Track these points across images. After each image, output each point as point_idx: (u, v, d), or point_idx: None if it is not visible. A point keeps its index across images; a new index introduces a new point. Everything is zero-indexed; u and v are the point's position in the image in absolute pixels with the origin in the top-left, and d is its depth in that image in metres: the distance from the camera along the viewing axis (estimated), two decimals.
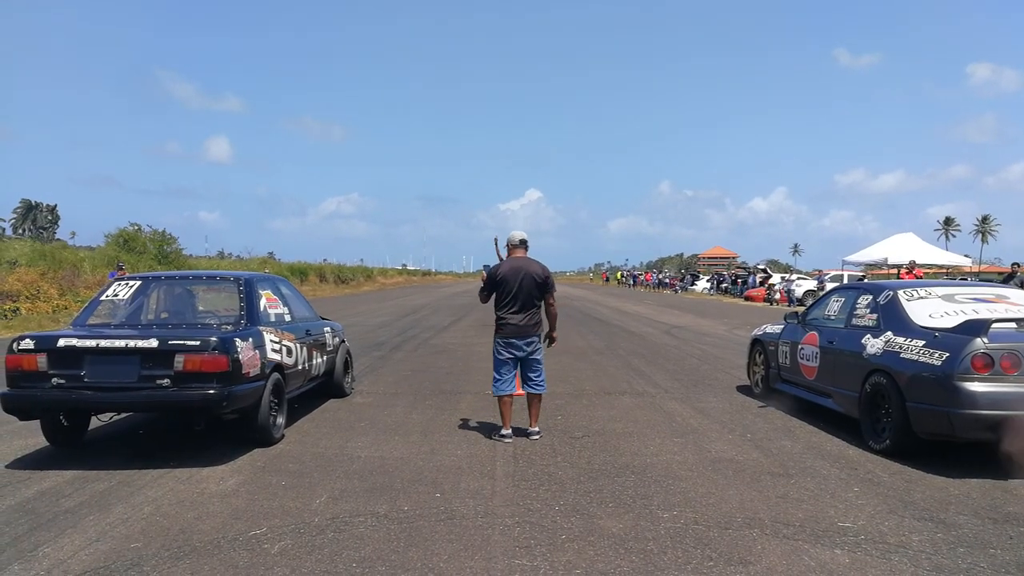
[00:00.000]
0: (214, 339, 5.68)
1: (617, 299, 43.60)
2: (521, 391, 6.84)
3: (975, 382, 5.38)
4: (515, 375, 6.75)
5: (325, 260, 74.23)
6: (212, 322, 6.75)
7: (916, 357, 5.85)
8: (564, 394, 9.12)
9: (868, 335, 6.65)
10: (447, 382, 10.15)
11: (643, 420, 7.58)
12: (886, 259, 30.12)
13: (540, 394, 6.79)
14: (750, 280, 47.51)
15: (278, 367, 6.59)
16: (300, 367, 7.32)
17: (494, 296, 6.71)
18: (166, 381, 5.54)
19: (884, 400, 6.13)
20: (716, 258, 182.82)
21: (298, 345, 7.28)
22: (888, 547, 4.12)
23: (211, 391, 5.56)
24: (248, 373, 5.93)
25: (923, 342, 5.90)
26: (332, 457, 6.02)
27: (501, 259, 6.87)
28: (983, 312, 6.24)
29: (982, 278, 35.31)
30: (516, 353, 6.62)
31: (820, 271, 47.29)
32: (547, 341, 6.89)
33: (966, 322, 5.82)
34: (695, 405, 8.49)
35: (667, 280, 70.34)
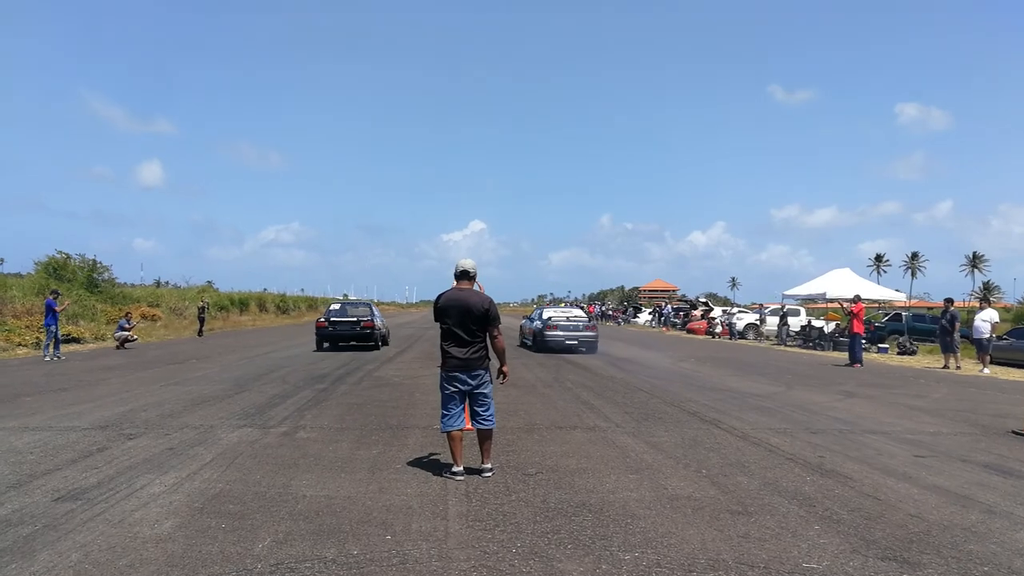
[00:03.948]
0: (372, 317, 23.79)
1: None
2: (471, 426, 6.62)
3: (547, 331, 23.30)
4: (463, 409, 6.54)
5: (265, 289, 73.09)
6: (366, 312, 24.04)
7: (540, 325, 23.93)
8: (515, 428, 8.92)
9: (537, 320, 25.18)
10: (393, 416, 9.86)
11: (596, 456, 7.42)
12: (824, 293, 30.76)
13: (490, 430, 6.57)
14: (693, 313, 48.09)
15: (381, 328, 24.70)
16: (383, 329, 25.21)
17: (439, 329, 6.53)
18: (360, 329, 22.91)
19: (534, 339, 24.24)
20: (657, 291, 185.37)
21: (382, 322, 25.61)
22: None
23: (369, 332, 23.00)
24: (378, 327, 23.93)
25: (541, 322, 24.19)
26: (275, 497, 5.70)
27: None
28: (556, 315, 25.15)
29: (913, 313, 36.30)
30: (461, 387, 6.40)
31: (760, 304, 48.20)
32: (499, 376, 6.69)
33: (549, 316, 24.54)
34: (647, 439, 8.38)
35: (610, 312, 70.89)
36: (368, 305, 26.02)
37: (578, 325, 24.11)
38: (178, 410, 10.18)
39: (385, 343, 25.60)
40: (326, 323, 23.02)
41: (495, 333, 6.46)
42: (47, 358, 18.55)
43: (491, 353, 6.54)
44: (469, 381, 6.38)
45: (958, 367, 20.29)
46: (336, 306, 25.09)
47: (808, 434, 8.96)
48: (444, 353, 6.46)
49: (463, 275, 6.55)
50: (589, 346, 23.56)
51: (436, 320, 6.54)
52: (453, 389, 6.41)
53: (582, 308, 48.04)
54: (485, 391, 6.48)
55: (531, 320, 26.78)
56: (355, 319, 23.29)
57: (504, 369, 6.70)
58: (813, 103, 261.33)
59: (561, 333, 23.36)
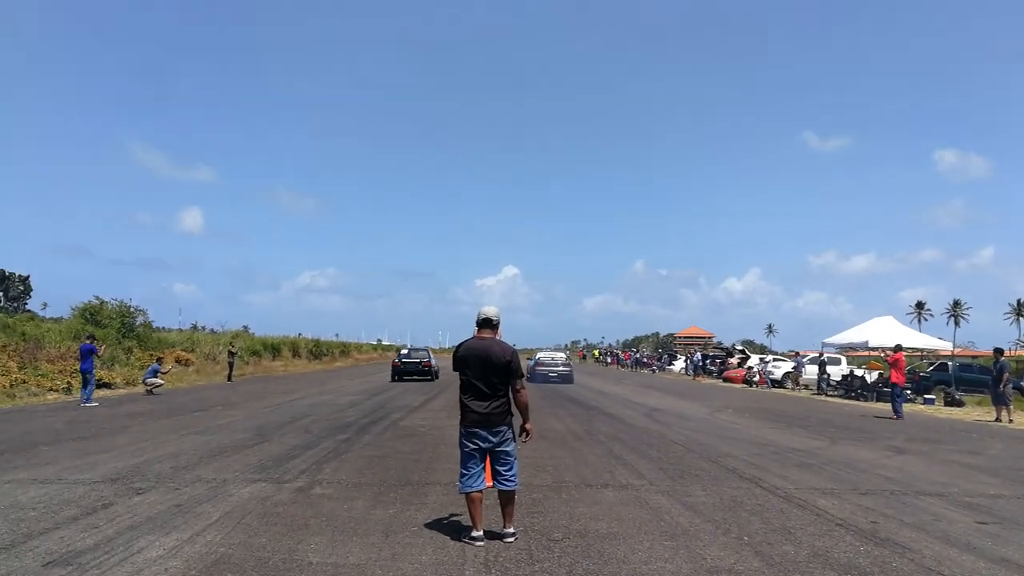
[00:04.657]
0: (429, 358, 34.99)
1: (595, 378, 42.96)
2: (492, 484, 6.15)
3: (537, 367, 35.75)
4: (484, 468, 6.07)
5: (300, 334, 73.01)
6: (424, 355, 35.59)
7: (532, 363, 36.33)
8: (542, 487, 8.42)
9: (531, 361, 37.85)
10: (415, 471, 9.41)
11: (628, 518, 6.89)
12: (866, 341, 29.85)
13: (512, 491, 6.08)
14: (730, 361, 47.08)
15: (434, 365, 34.80)
16: (436, 367, 34.67)
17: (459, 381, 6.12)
18: (421, 367, 33.81)
19: (530, 374, 34.13)
20: (692, 337, 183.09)
21: (435, 361, 35.31)
22: None
23: (428, 369, 33.82)
24: (433, 366, 34.43)
25: (533, 361, 37.16)
26: (279, 564, 5.27)
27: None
28: (544, 356, 38.90)
29: (959, 363, 35.09)
30: (482, 444, 5.94)
31: (797, 352, 47.07)
32: (522, 433, 6.20)
33: (539, 357, 38.08)
34: (683, 500, 7.82)
35: (645, 359, 69.85)
36: (426, 350, 38.18)
37: (557, 364, 36.87)
38: (193, 462, 9.83)
39: (436, 377, 34.56)
40: (399, 362, 34.70)
41: (518, 387, 5.99)
42: (90, 404, 18.42)
43: (514, 408, 6.09)
44: (490, 438, 5.93)
45: (1011, 420, 19.33)
46: (405, 350, 37.24)
47: (858, 495, 8.33)
48: (463, 407, 6.03)
49: (485, 323, 6.14)
50: (564, 377, 34.96)
51: (455, 370, 6.13)
52: (473, 447, 5.97)
53: (615, 354, 55.83)
54: (508, 449, 6.01)
55: (530, 361, 38.07)
56: (418, 360, 34.80)
57: (528, 426, 6.19)
58: (847, 150, 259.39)
59: (546, 368, 35.66)
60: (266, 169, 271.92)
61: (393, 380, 32.56)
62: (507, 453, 6.00)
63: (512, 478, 6.03)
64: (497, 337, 6.14)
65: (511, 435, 6.04)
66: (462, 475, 6.03)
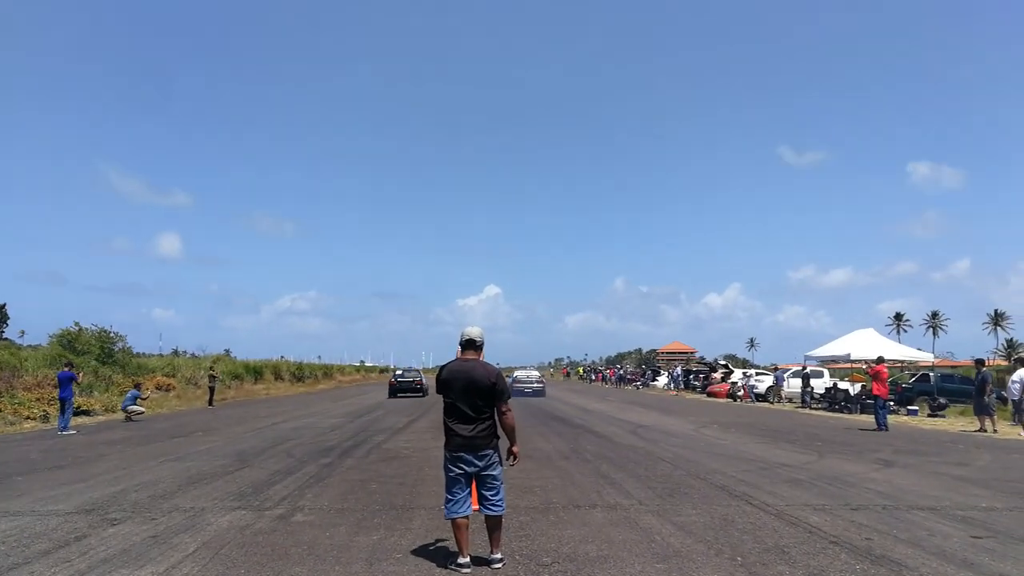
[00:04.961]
0: (420, 378, 41.66)
1: (579, 396, 42.82)
2: (477, 507, 5.97)
3: (515, 384, 41.93)
4: (470, 492, 5.90)
5: (282, 357, 72.52)
6: (416, 375, 42.62)
7: (511, 380, 40.21)
8: (529, 508, 8.25)
9: (510, 378, 42.18)
10: (399, 495, 9.21)
11: (619, 540, 6.74)
12: (848, 354, 29.92)
13: (499, 516, 5.91)
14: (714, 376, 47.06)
15: (424, 384, 40.90)
16: (425, 385, 41.00)
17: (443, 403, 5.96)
18: (414, 385, 40.38)
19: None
20: (675, 352, 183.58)
21: (425, 380, 41.58)
22: None
23: (419, 386, 40.42)
24: (423, 384, 40.71)
25: (512, 379, 43.35)
26: None
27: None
28: (520, 375, 46.87)
29: (941, 374, 35.21)
30: (467, 468, 5.76)
31: (776, 366, 47.23)
32: (509, 456, 6.00)
33: (517, 375, 46.09)
34: (674, 519, 7.68)
35: (629, 376, 69.78)
36: (418, 371, 46.78)
37: (532, 380, 44.06)
38: (171, 490, 9.58)
39: (426, 393, 40.05)
40: (395, 381, 41.69)
41: (503, 409, 5.80)
42: (67, 432, 18.03)
43: (500, 431, 5.93)
44: (476, 462, 5.76)
45: (995, 430, 19.35)
46: (400, 371, 46.26)
47: (849, 511, 8.21)
48: (448, 430, 5.85)
49: (468, 344, 5.97)
50: (538, 391, 41.92)
51: (439, 393, 5.96)
52: (458, 471, 5.79)
53: (598, 371, 60.29)
54: (494, 473, 5.83)
55: (509, 378, 46.65)
56: (411, 379, 41.56)
57: (514, 449, 6.00)
58: (822, 164, 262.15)
59: (522, 384, 42.71)
60: (244, 193, 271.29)
61: (390, 397, 38.30)
62: (493, 477, 5.82)
63: (499, 502, 5.86)
64: (481, 358, 5.99)
65: (497, 458, 5.88)
66: (447, 500, 5.86)
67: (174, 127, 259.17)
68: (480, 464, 5.76)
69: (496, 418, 5.86)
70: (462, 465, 5.76)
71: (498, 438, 5.90)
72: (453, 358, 6.03)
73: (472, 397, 5.73)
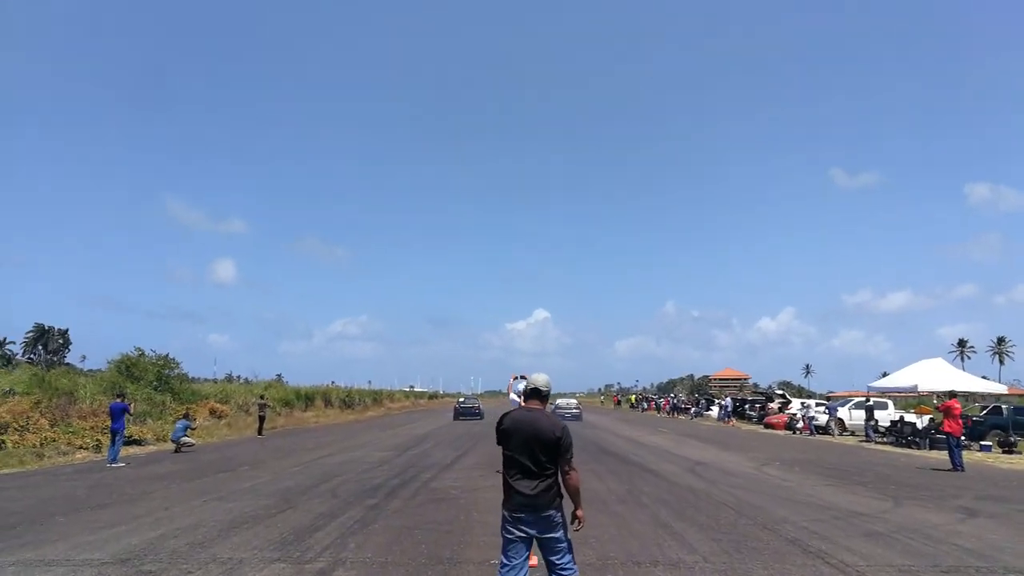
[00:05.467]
0: (478, 404, 53.13)
1: (631, 426, 41.85)
2: (535, 562, 5.30)
3: (556, 410, 47.66)
4: (527, 559, 5.29)
5: (332, 382, 72.82)
6: (475, 402, 54.08)
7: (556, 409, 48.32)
8: (584, 565, 7.63)
9: (553, 407, 46.60)
10: (446, 544, 8.69)
11: None
12: (915, 386, 28.61)
13: None
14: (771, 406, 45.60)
15: (482, 408, 52.81)
16: (483, 409, 52.43)
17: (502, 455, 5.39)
18: (475, 410, 50.39)
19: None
20: (727, 379, 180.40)
21: (481, 406, 53.97)
22: None
23: (477, 411, 50.61)
24: (480, 409, 51.97)
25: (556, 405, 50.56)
26: None
27: (517, 398, 5.59)
28: (562, 403, 51.63)
29: (1014, 406, 33.47)
30: (529, 531, 5.16)
31: (829, 395, 45.56)
32: (573, 521, 5.36)
33: (558, 404, 50.79)
34: None
35: (682, 405, 68.25)
36: (475, 399, 58.14)
37: (571, 407, 49.86)
38: (211, 536, 9.22)
39: (483, 416, 48.27)
40: (459, 406, 51.40)
41: (567, 468, 5.18)
42: (116, 464, 18.00)
43: (563, 490, 5.33)
44: (537, 524, 5.16)
45: None
46: (462, 399, 56.52)
47: (940, 574, 7.46)
48: (507, 487, 5.23)
49: (534, 393, 5.41)
50: (576, 416, 47.49)
51: (499, 444, 5.41)
52: (518, 534, 5.21)
53: (649, 400, 60.93)
54: (557, 535, 5.18)
55: (551, 406, 41.45)
56: (471, 405, 51.14)
57: (578, 513, 5.36)
58: (876, 186, 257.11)
59: (563, 411, 47.49)
60: (296, 220, 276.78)
61: (455, 419, 47.94)
62: (558, 539, 5.18)
63: (568, 566, 5.20)
64: (545, 408, 5.45)
65: (561, 519, 5.24)
66: (502, 565, 5.23)
67: (229, 155, 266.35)
68: (542, 527, 5.18)
69: (559, 476, 5.28)
70: (522, 527, 5.17)
71: (561, 497, 5.29)
72: (515, 407, 5.49)
73: (535, 451, 5.16)
